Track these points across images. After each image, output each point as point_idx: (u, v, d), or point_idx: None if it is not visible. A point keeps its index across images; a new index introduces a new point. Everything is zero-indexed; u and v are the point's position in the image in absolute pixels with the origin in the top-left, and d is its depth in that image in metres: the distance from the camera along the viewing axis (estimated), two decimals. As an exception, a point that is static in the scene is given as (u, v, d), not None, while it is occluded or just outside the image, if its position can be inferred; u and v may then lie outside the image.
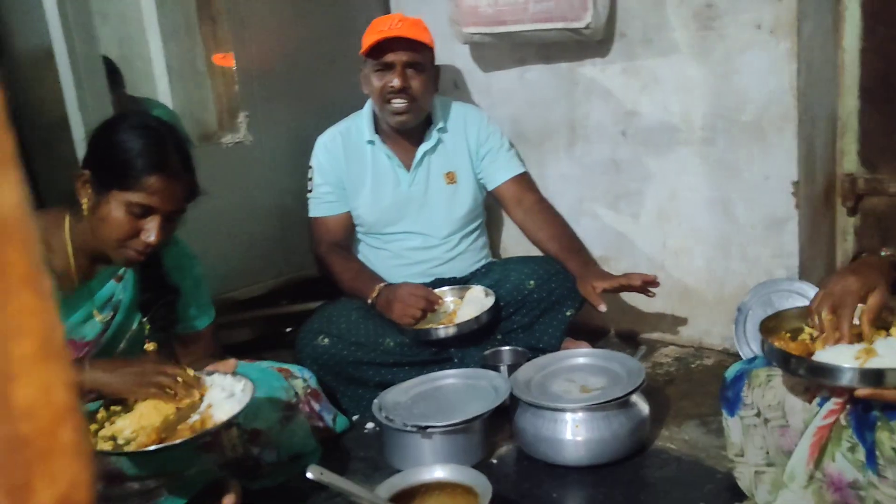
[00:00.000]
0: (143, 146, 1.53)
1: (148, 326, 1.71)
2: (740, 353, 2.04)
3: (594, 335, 2.48)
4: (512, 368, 1.99)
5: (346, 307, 2.19)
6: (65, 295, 1.62)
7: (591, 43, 2.33)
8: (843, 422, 1.31)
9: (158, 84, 2.60)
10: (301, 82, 2.57)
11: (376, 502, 1.45)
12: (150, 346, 1.69)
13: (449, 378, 2.00)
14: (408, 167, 2.35)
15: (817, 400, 1.35)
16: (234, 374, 1.58)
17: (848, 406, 1.30)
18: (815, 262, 2.23)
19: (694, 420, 1.92)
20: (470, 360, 2.14)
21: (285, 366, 1.92)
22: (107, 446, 1.42)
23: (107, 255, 1.60)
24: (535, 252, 2.40)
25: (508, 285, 2.23)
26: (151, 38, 2.57)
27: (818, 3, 2.07)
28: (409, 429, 1.75)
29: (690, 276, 2.36)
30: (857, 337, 1.35)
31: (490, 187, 2.43)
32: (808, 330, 1.44)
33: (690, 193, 2.30)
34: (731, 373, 1.54)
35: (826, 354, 1.32)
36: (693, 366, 2.28)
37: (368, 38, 2.23)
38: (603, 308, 2.13)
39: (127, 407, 1.50)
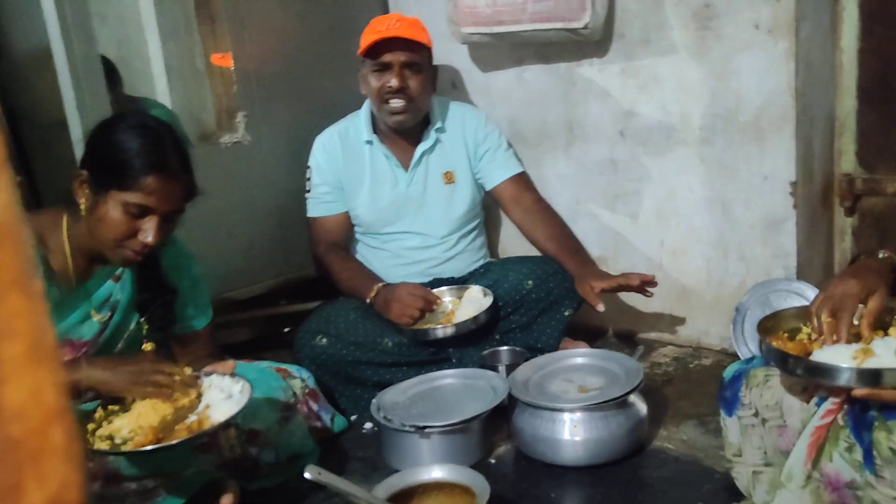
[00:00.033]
0: (140, 146, 1.53)
1: (146, 326, 1.71)
2: (738, 353, 2.04)
3: (592, 335, 2.48)
4: (510, 368, 1.99)
5: (344, 307, 2.19)
6: (62, 295, 1.62)
7: (590, 43, 2.33)
8: (840, 422, 1.31)
9: (157, 84, 2.61)
10: (299, 82, 2.57)
11: (374, 502, 1.45)
12: (148, 346, 1.69)
13: (447, 378, 2.00)
14: (406, 167, 2.35)
15: (815, 400, 1.35)
16: (232, 375, 1.58)
17: (845, 406, 1.31)
18: (813, 262, 2.23)
19: (692, 420, 1.92)
20: (468, 360, 2.14)
21: (283, 366, 1.92)
22: (104, 446, 1.42)
23: (104, 256, 1.59)
24: (534, 252, 2.40)
25: (507, 285, 2.23)
26: (150, 39, 2.57)
27: (816, 3, 2.08)
28: (407, 429, 1.75)
29: (689, 276, 2.36)
30: (856, 337, 1.35)
31: (488, 187, 2.43)
32: (805, 330, 1.44)
33: (688, 193, 2.30)
34: (728, 373, 1.54)
35: (824, 354, 1.33)
36: (691, 366, 2.28)
37: (366, 39, 2.23)
38: (601, 308, 2.13)
39: (125, 406, 1.50)
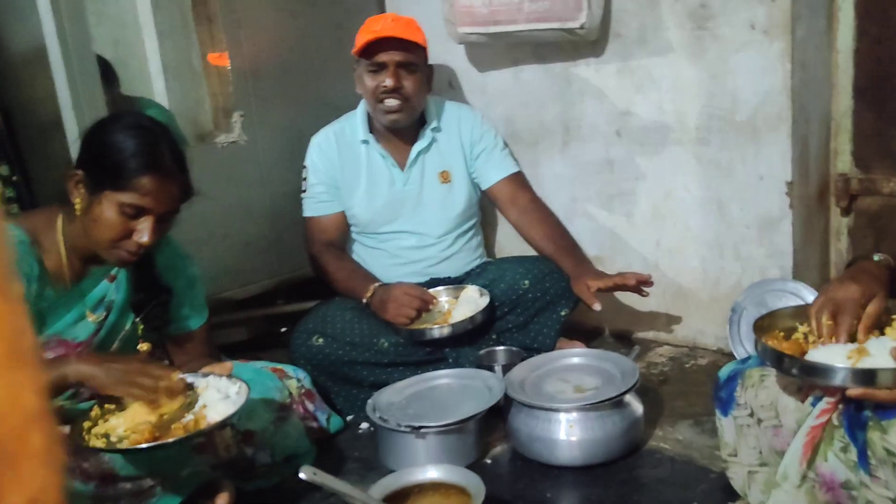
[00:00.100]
0: (136, 146, 1.52)
1: (141, 327, 1.71)
2: (734, 353, 2.04)
3: (588, 335, 2.48)
4: (506, 368, 1.99)
5: (340, 307, 2.19)
6: (57, 295, 1.61)
7: (586, 43, 2.33)
8: (835, 421, 1.31)
9: (154, 84, 2.60)
10: (296, 82, 2.57)
11: (369, 503, 1.45)
12: (143, 347, 1.69)
13: (443, 378, 2.00)
14: (402, 166, 2.35)
15: (810, 399, 1.36)
16: (229, 376, 1.58)
17: (840, 406, 1.31)
18: (809, 262, 2.23)
19: (688, 420, 1.92)
20: (464, 360, 2.14)
21: (279, 366, 1.92)
22: (100, 444, 1.42)
23: (99, 256, 1.59)
24: (530, 252, 2.40)
25: (503, 285, 2.23)
26: (147, 38, 2.57)
27: (812, 3, 2.08)
28: (403, 429, 1.75)
29: (684, 275, 2.36)
30: (851, 337, 1.35)
31: (484, 187, 2.43)
32: (801, 329, 1.44)
33: (684, 193, 2.30)
34: (724, 373, 1.54)
35: (819, 354, 1.33)
36: (687, 366, 2.28)
37: (361, 38, 2.23)
38: (597, 307, 2.13)
39: (121, 405, 1.50)
